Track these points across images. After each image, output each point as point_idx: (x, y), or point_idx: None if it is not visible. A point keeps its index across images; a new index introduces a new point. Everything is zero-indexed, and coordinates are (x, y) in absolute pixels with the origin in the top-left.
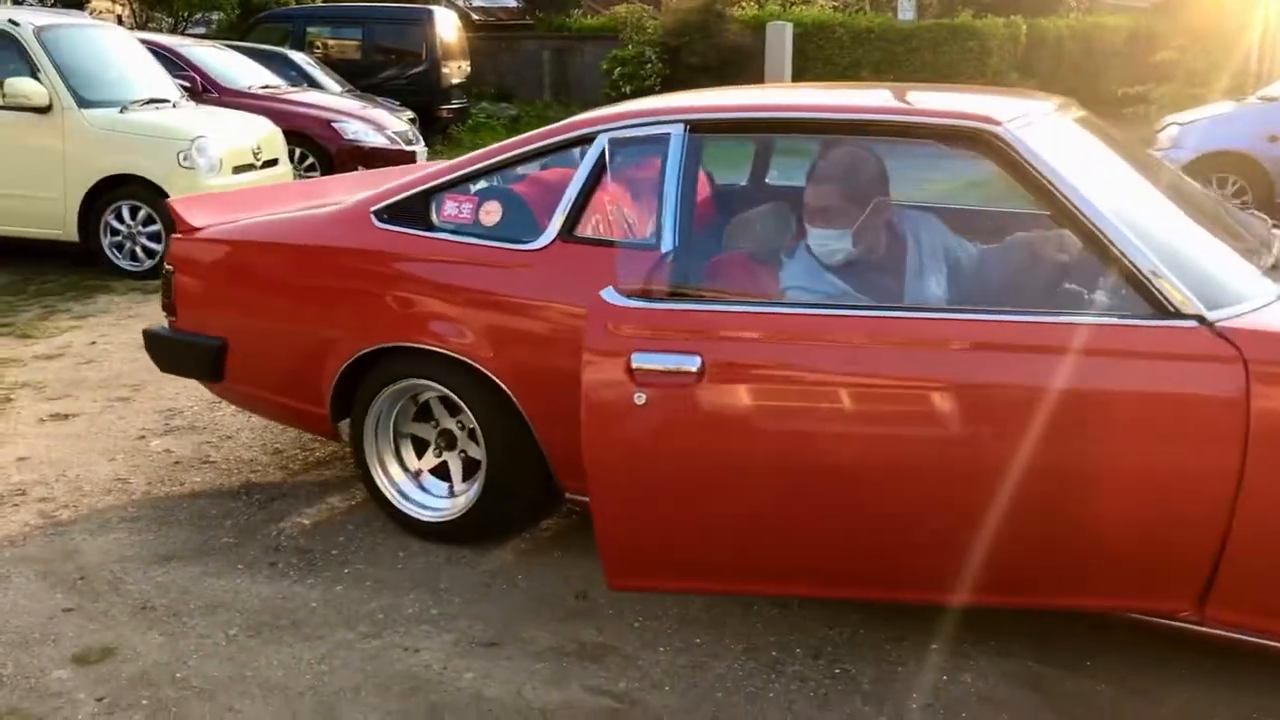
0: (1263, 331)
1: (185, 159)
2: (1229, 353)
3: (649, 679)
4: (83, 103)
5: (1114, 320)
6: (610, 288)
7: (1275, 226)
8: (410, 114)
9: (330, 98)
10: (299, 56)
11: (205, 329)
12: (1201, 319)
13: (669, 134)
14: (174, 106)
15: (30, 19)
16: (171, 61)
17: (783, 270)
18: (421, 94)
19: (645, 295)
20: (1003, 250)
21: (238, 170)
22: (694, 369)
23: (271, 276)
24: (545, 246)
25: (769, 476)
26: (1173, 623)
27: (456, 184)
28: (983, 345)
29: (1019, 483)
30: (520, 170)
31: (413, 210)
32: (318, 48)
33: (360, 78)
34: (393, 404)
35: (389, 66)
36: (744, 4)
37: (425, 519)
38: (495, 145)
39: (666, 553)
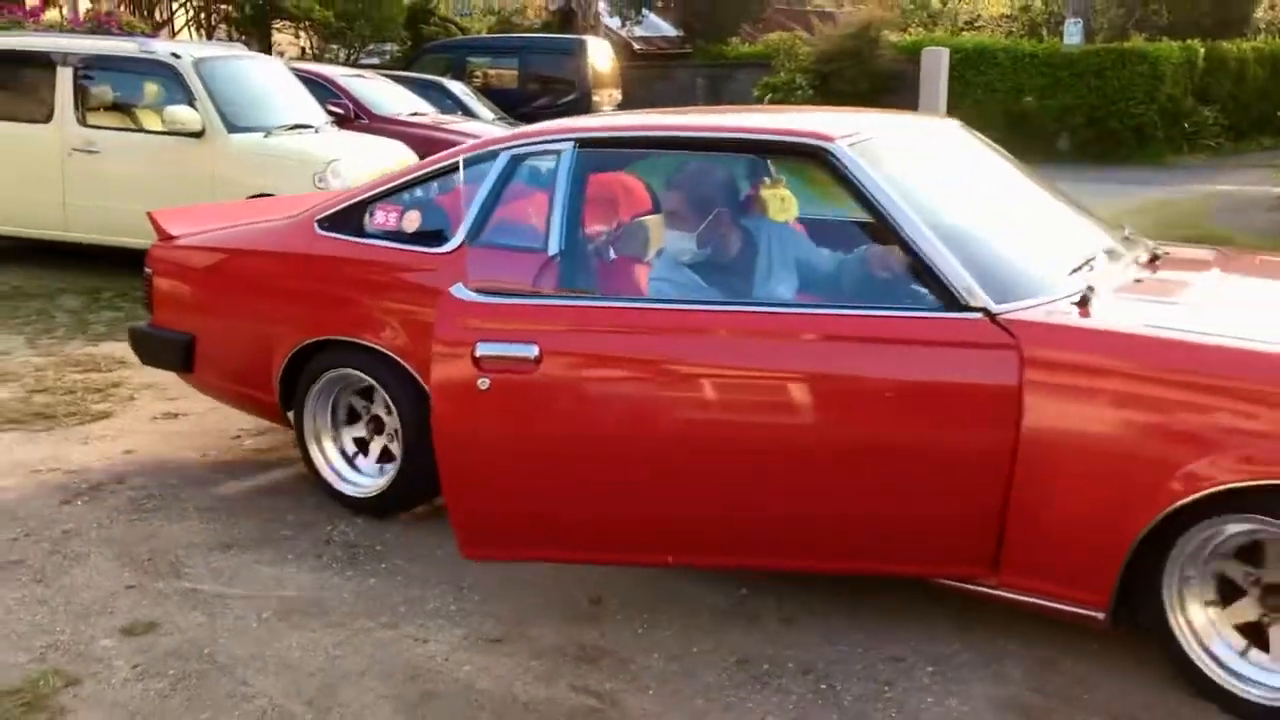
0: (1038, 324)
1: (320, 180)
2: (1007, 341)
3: (637, 682)
4: (232, 128)
5: (912, 313)
6: (459, 284)
7: (1129, 236)
8: None
9: (473, 124)
10: (455, 85)
11: (177, 326)
12: (986, 311)
13: (561, 150)
14: (316, 132)
15: (191, 52)
16: (328, 90)
17: (653, 269)
18: None
19: (489, 291)
20: (844, 256)
21: None
22: (532, 356)
23: (230, 278)
24: (453, 250)
25: (603, 453)
26: (977, 588)
27: (387, 195)
28: (787, 334)
29: (826, 458)
30: (439, 185)
31: (350, 219)
32: (477, 77)
33: (515, 105)
34: (329, 391)
35: (543, 95)
36: (911, 30)
37: (351, 494)
38: (421, 162)
39: (514, 524)
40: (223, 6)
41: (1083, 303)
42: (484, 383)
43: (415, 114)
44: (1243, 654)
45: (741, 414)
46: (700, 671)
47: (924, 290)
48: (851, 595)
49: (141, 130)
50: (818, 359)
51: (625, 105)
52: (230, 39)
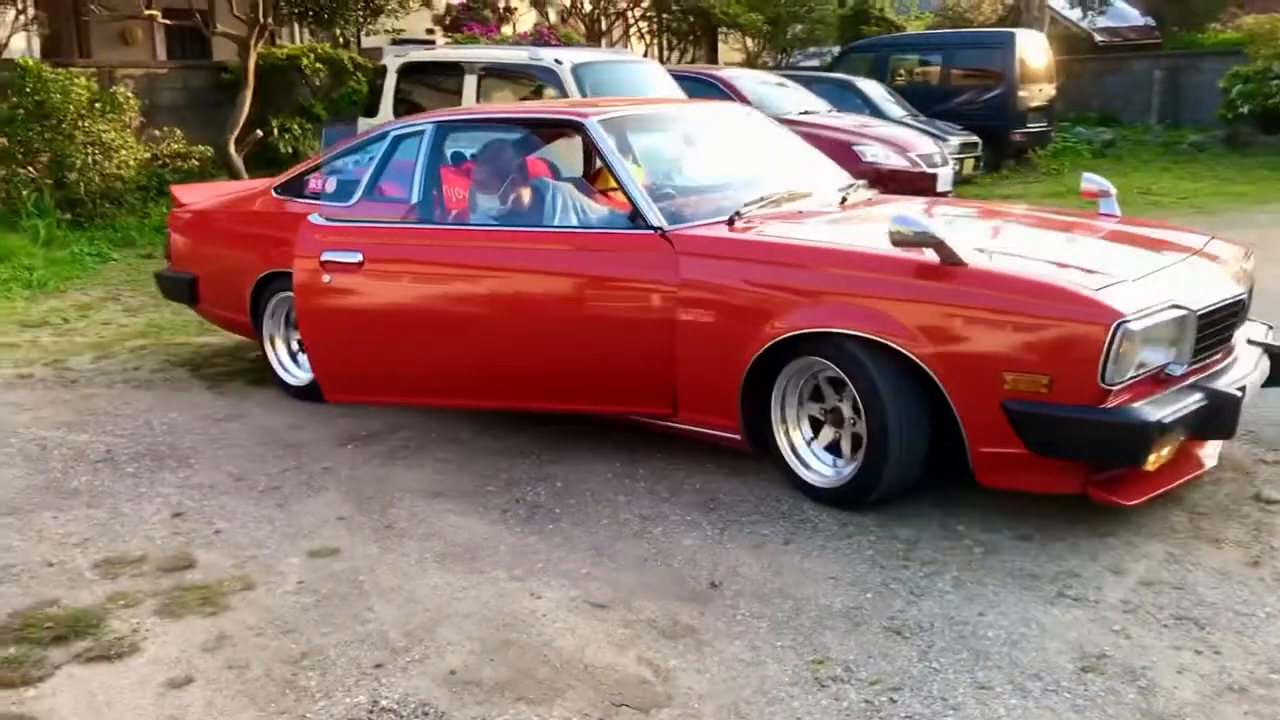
0: (688, 235)
1: None
2: (667, 249)
3: (700, 664)
4: None
5: (619, 230)
6: (315, 213)
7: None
8: (968, 138)
9: (859, 120)
10: (868, 84)
11: (184, 269)
12: (660, 230)
13: (424, 130)
14: None
15: (572, 57)
16: (718, 89)
17: (473, 212)
18: (995, 118)
19: (329, 215)
20: (590, 199)
21: None
22: (358, 260)
23: (216, 231)
24: (355, 203)
25: (412, 325)
26: (666, 424)
27: (319, 168)
28: (533, 242)
29: (556, 328)
30: (358, 157)
31: (294, 185)
32: (900, 75)
33: (936, 103)
34: (279, 308)
35: (965, 91)
36: None
37: (293, 384)
38: (346, 140)
39: (358, 378)
40: (663, 17)
41: (730, 222)
42: (327, 278)
43: (805, 112)
44: (826, 460)
45: (502, 298)
46: (767, 664)
47: (631, 218)
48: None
49: None
50: (552, 259)
51: (1076, 101)
52: (669, 49)
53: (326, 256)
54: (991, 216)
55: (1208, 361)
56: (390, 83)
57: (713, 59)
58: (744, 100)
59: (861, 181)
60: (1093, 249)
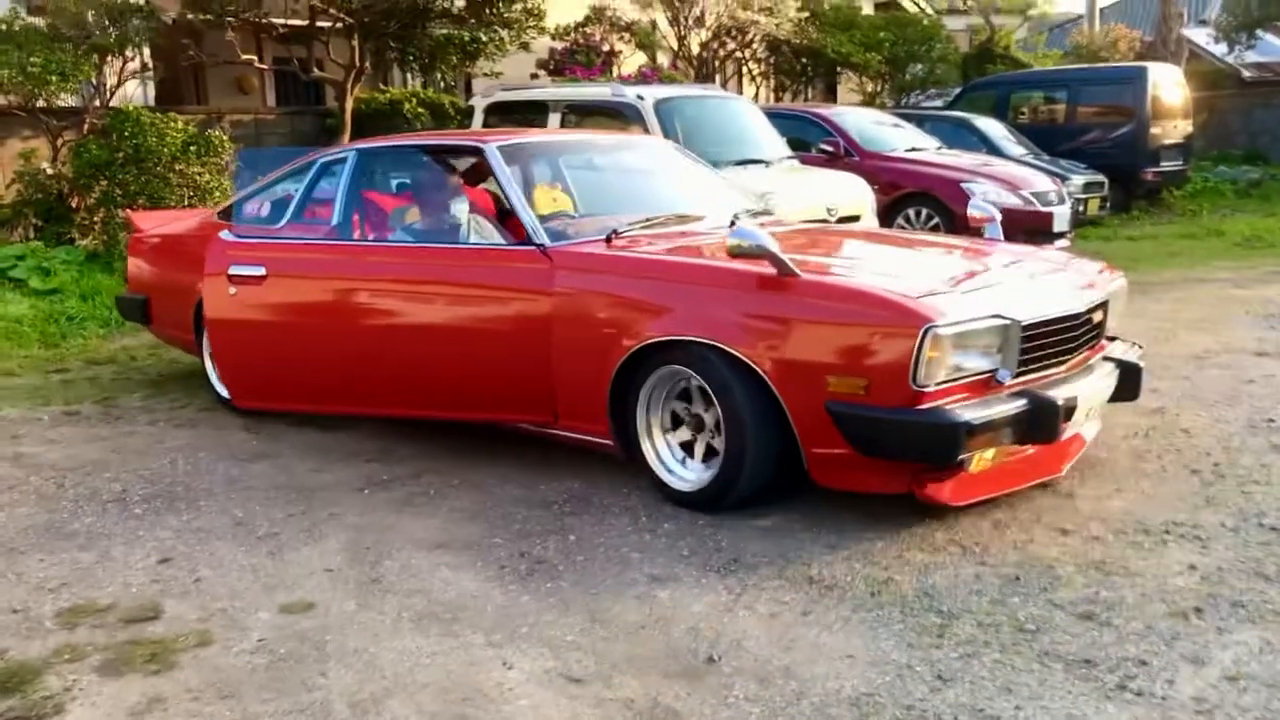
0: (566, 251)
1: None
2: (546, 264)
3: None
4: None
5: (503, 246)
6: (226, 230)
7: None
8: (1093, 177)
9: (972, 159)
10: (986, 122)
11: (139, 291)
12: (541, 247)
13: (347, 157)
14: (766, 166)
15: (655, 94)
16: (822, 128)
17: (393, 231)
18: (1124, 156)
19: (238, 233)
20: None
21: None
22: (261, 273)
23: (164, 254)
24: (283, 226)
25: (308, 335)
26: (550, 432)
27: (255, 194)
28: (425, 258)
29: (444, 339)
30: (291, 183)
31: (235, 210)
32: (1023, 113)
33: (1061, 142)
34: None
35: (1092, 129)
36: None
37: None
38: (279, 171)
39: (262, 385)
40: (775, 59)
41: (608, 240)
42: (233, 290)
43: (913, 150)
44: (682, 462)
45: (393, 310)
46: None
47: (523, 236)
48: None
49: None
50: (441, 273)
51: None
52: (782, 91)
53: (233, 270)
54: (850, 237)
55: (1048, 372)
56: (477, 122)
57: (830, 100)
58: (846, 138)
59: (766, 207)
60: (933, 265)
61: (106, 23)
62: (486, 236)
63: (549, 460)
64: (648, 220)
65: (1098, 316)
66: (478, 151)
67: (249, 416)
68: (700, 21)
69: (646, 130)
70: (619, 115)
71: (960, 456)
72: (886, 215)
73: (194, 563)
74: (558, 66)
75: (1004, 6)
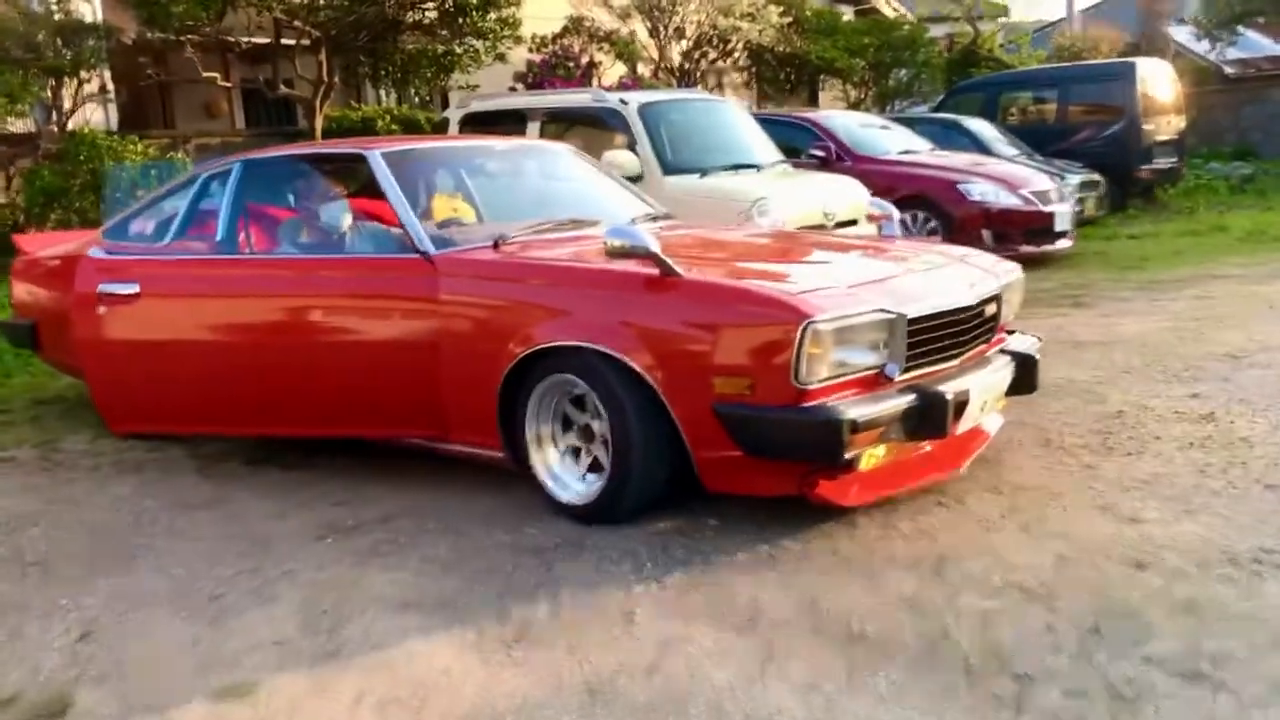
0: (450, 258)
1: (746, 219)
2: (430, 270)
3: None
4: (668, 169)
5: (393, 255)
6: (96, 247)
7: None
8: (1089, 176)
9: (967, 159)
10: (975, 123)
11: (25, 315)
12: (426, 254)
13: (231, 169)
14: (758, 171)
15: (638, 98)
16: (811, 132)
17: (280, 243)
18: (1116, 154)
19: (109, 249)
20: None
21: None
22: (135, 291)
23: (48, 277)
24: (168, 244)
25: (185, 354)
26: (443, 447)
27: (142, 211)
28: (305, 269)
29: (326, 351)
30: (176, 199)
31: (121, 229)
32: (1013, 113)
33: (1052, 141)
34: None
35: (1083, 128)
36: None
37: None
38: (164, 187)
39: (139, 406)
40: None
41: (494, 246)
42: (102, 309)
43: (905, 152)
44: (581, 479)
45: (273, 324)
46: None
47: (403, 243)
48: None
49: None
50: (323, 284)
51: (1210, 135)
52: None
53: (103, 288)
54: (748, 237)
55: (940, 366)
56: (453, 135)
57: (813, 108)
58: (836, 143)
59: (664, 212)
60: (817, 262)
61: (59, 43)
62: (370, 245)
63: (537, 499)
64: (538, 225)
65: (990, 309)
66: (360, 159)
67: (202, 459)
68: (680, 32)
69: (633, 138)
70: (601, 122)
71: (847, 454)
72: None
73: (120, 637)
74: (536, 79)
75: (986, 12)
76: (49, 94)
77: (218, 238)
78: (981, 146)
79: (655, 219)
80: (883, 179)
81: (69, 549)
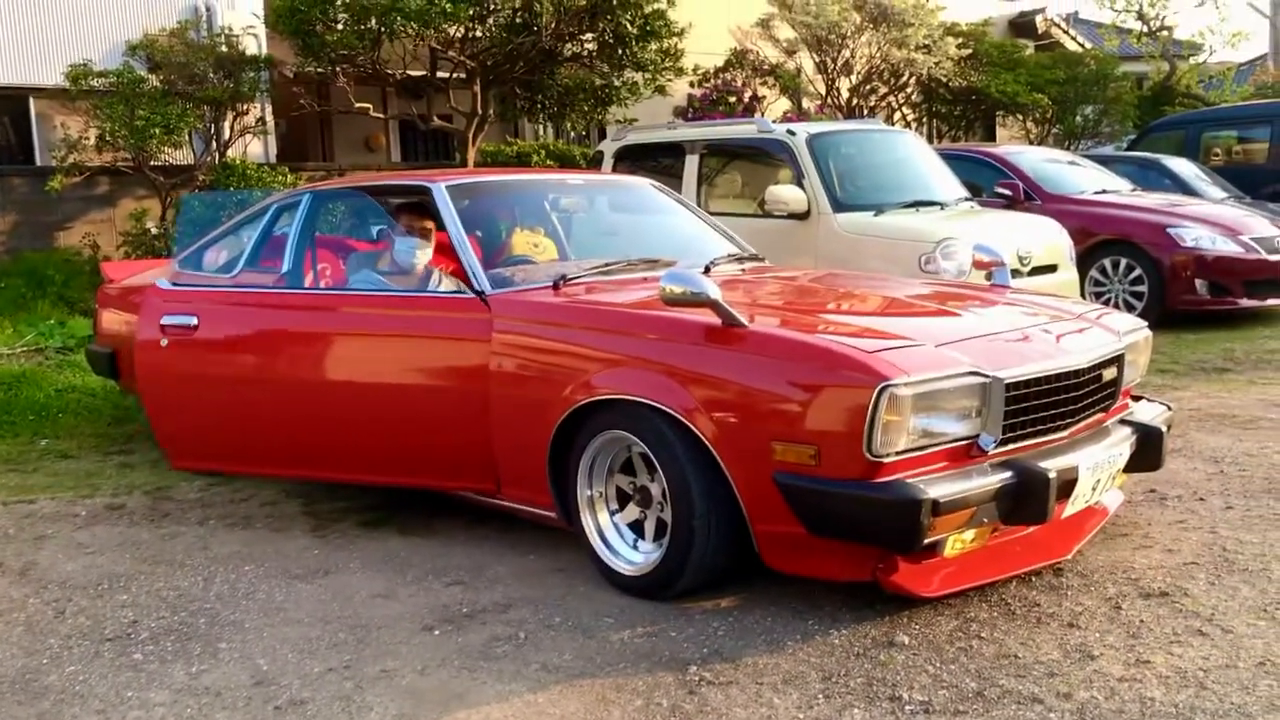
0: (503, 298)
1: (927, 262)
2: (485, 312)
3: None
4: (838, 207)
5: (441, 294)
6: (162, 278)
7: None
8: None
9: (1174, 200)
10: (1178, 163)
11: (107, 344)
12: (481, 294)
13: (301, 200)
14: (940, 209)
15: (807, 129)
16: (998, 169)
17: (351, 276)
18: None
19: (175, 281)
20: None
21: None
22: (194, 323)
23: (128, 305)
24: (236, 274)
25: (241, 390)
26: (494, 501)
27: (215, 241)
28: (360, 306)
29: (378, 395)
30: (249, 228)
31: (196, 259)
32: (1215, 155)
33: (1264, 184)
34: None
35: None
36: None
37: None
38: (238, 217)
39: (199, 445)
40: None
41: (555, 287)
42: (164, 342)
43: (1102, 192)
44: (633, 546)
45: (328, 363)
46: None
47: (463, 282)
48: None
49: (755, 214)
50: (374, 324)
51: None
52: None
53: (165, 320)
54: (817, 282)
55: (1047, 438)
56: (607, 169)
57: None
58: (1026, 180)
59: (751, 253)
60: (909, 315)
61: (222, 75)
62: (430, 283)
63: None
64: (607, 265)
65: (1109, 373)
66: (424, 191)
67: (317, 516)
68: (849, 68)
69: (800, 172)
70: (765, 155)
71: (925, 540)
72: (1078, 266)
73: None
74: (697, 114)
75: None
76: (208, 125)
77: (283, 270)
78: (1185, 188)
79: (741, 260)
80: (1078, 220)
81: (152, 623)
